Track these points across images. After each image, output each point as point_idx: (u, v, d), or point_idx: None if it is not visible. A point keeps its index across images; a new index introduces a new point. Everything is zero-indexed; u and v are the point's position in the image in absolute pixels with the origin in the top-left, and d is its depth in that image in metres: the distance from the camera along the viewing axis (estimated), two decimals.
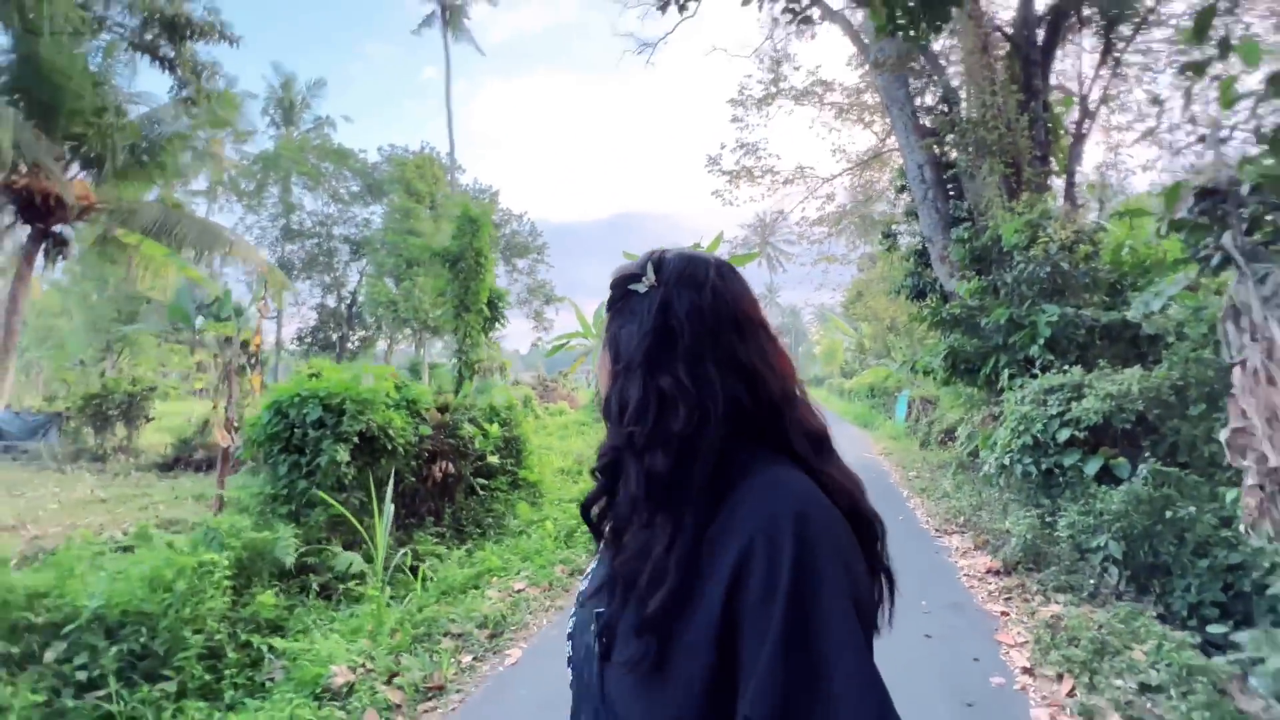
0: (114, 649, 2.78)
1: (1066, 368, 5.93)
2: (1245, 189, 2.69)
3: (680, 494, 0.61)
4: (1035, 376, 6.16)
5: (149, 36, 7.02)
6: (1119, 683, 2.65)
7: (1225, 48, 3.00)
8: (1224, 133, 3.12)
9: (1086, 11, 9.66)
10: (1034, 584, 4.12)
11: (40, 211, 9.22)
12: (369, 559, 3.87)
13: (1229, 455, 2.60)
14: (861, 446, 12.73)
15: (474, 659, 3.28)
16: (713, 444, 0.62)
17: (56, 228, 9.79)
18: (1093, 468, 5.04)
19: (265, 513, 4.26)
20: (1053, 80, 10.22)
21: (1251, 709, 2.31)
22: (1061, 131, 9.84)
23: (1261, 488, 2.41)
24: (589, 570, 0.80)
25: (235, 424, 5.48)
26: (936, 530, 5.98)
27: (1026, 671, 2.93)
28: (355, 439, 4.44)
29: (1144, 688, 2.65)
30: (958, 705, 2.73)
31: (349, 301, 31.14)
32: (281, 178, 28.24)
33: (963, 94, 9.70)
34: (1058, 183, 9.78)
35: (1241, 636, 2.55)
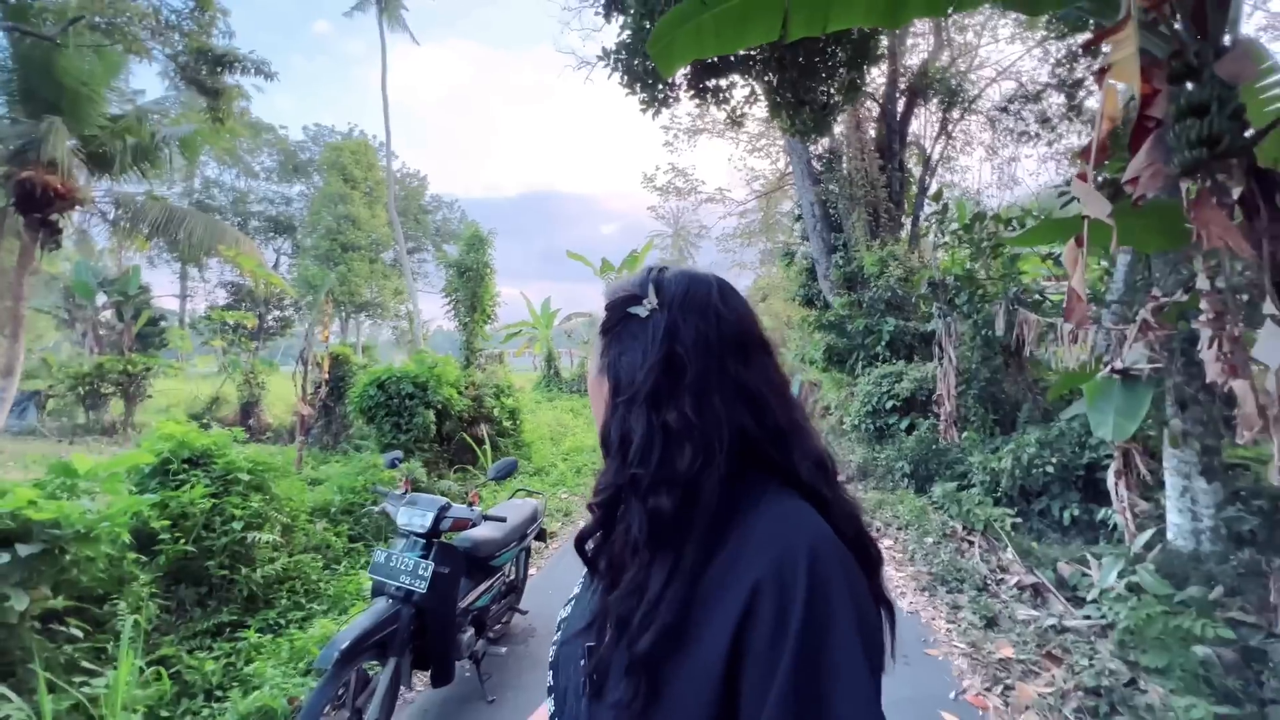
0: (340, 526, 4.75)
1: (897, 362, 9.00)
2: (950, 278, 5.52)
3: (682, 532, 0.58)
4: (877, 367, 9.22)
5: (192, 65, 8.20)
6: (889, 515, 5.44)
7: (945, 209, 5.84)
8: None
9: (932, 93, 13.07)
10: (861, 486, 7.00)
11: (39, 202, 9.90)
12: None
13: (936, 405, 5.44)
14: None
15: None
16: (718, 482, 0.59)
17: (52, 216, 10.43)
18: (904, 425, 8.07)
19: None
20: (910, 139, 13.62)
21: (937, 518, 5.14)
22: (912, 184, 13.25)
23: (947, 414, 5.25)
24: (573, 595, 0.77)
25: (312, 398, 7.25)
26: None
27: None
28: (438, 405, 6.49)
29: (901, 523, 5.45)
30: None
31: (252, 278, 30.39)
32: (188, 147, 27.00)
33: (844, 149, 12.77)
34: (909, 221, 13.20)
35: (936, 491, 5.42)
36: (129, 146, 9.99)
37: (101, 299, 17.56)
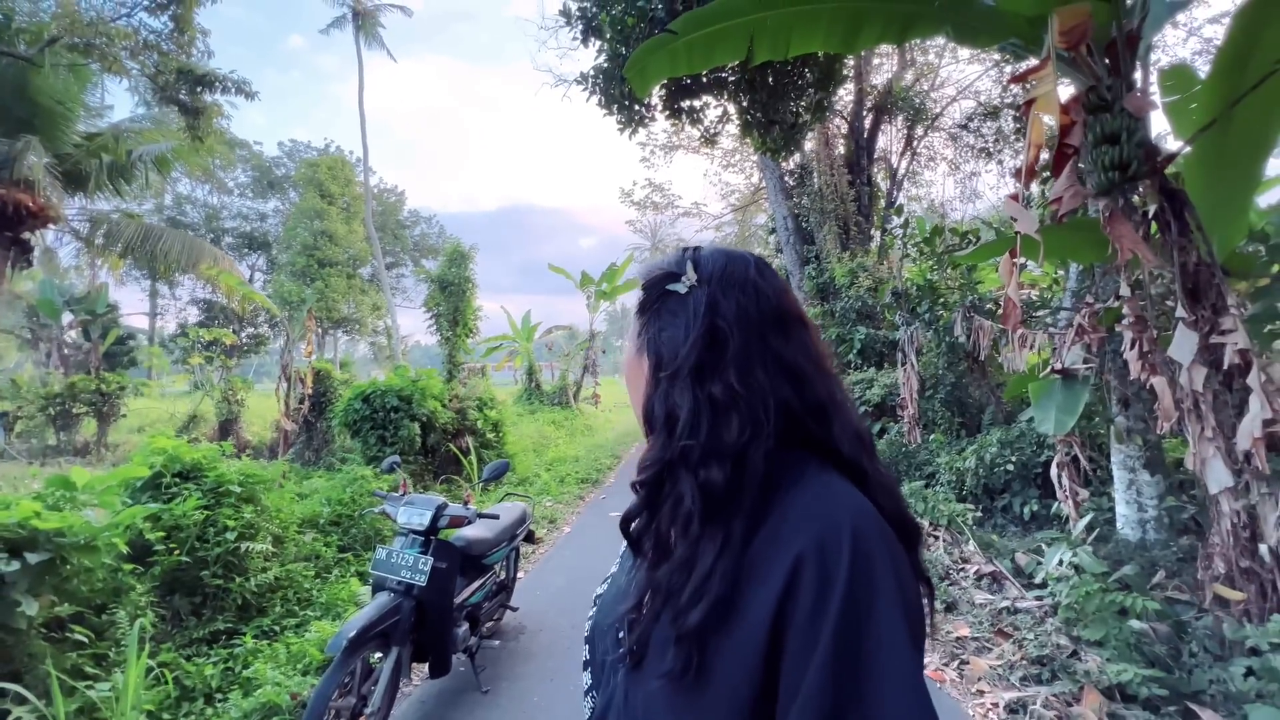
0: (329, 536, 4.85)
1: (869, 369, 9.34)
2: (911, 287, 5.85)
3: (732, 505, 0.59)
4: (849, 375, 9.55)
5: (171, 84, 8.26)
6: None
7: (907, 223, 6.19)
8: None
9: (896, 112, 13.65)
10: None
11: (11, 220, 9.80)
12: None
13: (900, 408, 5.74)
14: None
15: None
16: (766, 453, 0.60)
17: (24, 235, 10.32)
18: (875, 428, 8.38)
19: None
20: (877, 154, 14.17)
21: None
22: (880, 198, 13.77)
23: (910, 416, 5.55)
24: (609, 574, 0.79)
25: (295, 413, 7.29)
26: None
27: None
28: (423, 418, 6.60)
29: None
30: None
31: (228, 295, 29.99)
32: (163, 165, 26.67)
33: (815, 165, 13.24)
34: (878, 233, 13.72)
35: (903, 489, 5.70)
36: (104, 165, 9.96)
37: (68, 318, 17.21)
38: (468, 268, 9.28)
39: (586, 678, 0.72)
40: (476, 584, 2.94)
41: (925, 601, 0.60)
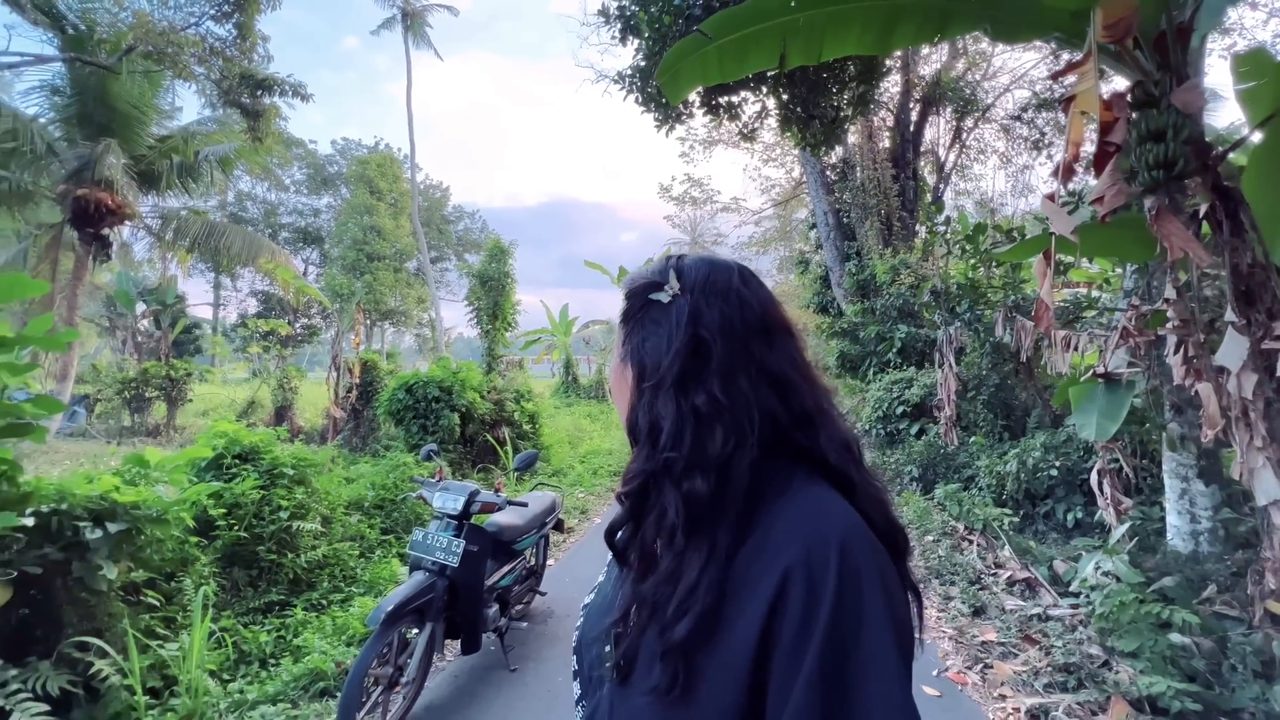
0: (373, 519, 5.11)
1: (909, 368, 9.14)
2: (952, 285, 5.71)
3: (717, 517, 0.58)
4: (888, 374, 9.36)
5: (234, 87, 8.76)
6: None
7: (949, 220, 6.03)
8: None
9: (944, 104, 13.21)
10: None
11: (92, 218, 10.57)
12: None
13: (937, 409, 5.62)
14: None
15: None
16: (750, 463, 0.59)
17: (104, 231, 11.11)
18: (914, 429, 8.21)
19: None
20: (924, 147, 13.75)
21: (939, 518, 5.31)
22: (926, 193, 13.37)
23: (947, 417, 5.42)
24: (596, 583, 0.78)
25: (344, 401, 7.65)
26: None
27: None
28: (462, 409, 6.84)
29: (903, 523, 5.64)
30: None
31: (285, 288, 31.49)
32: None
33: (857, 160, 12.96)
34: (923, 229, 13.34)
35: (939, 492, 5.59)
36: (174, 165, 10.63)
37: (140, 308, 18.44)
38: (507, 263, 9.51)
39: (575, 688, 0.71)
40: (507, 568, 3.08)
41: (914, 611, 0.60)
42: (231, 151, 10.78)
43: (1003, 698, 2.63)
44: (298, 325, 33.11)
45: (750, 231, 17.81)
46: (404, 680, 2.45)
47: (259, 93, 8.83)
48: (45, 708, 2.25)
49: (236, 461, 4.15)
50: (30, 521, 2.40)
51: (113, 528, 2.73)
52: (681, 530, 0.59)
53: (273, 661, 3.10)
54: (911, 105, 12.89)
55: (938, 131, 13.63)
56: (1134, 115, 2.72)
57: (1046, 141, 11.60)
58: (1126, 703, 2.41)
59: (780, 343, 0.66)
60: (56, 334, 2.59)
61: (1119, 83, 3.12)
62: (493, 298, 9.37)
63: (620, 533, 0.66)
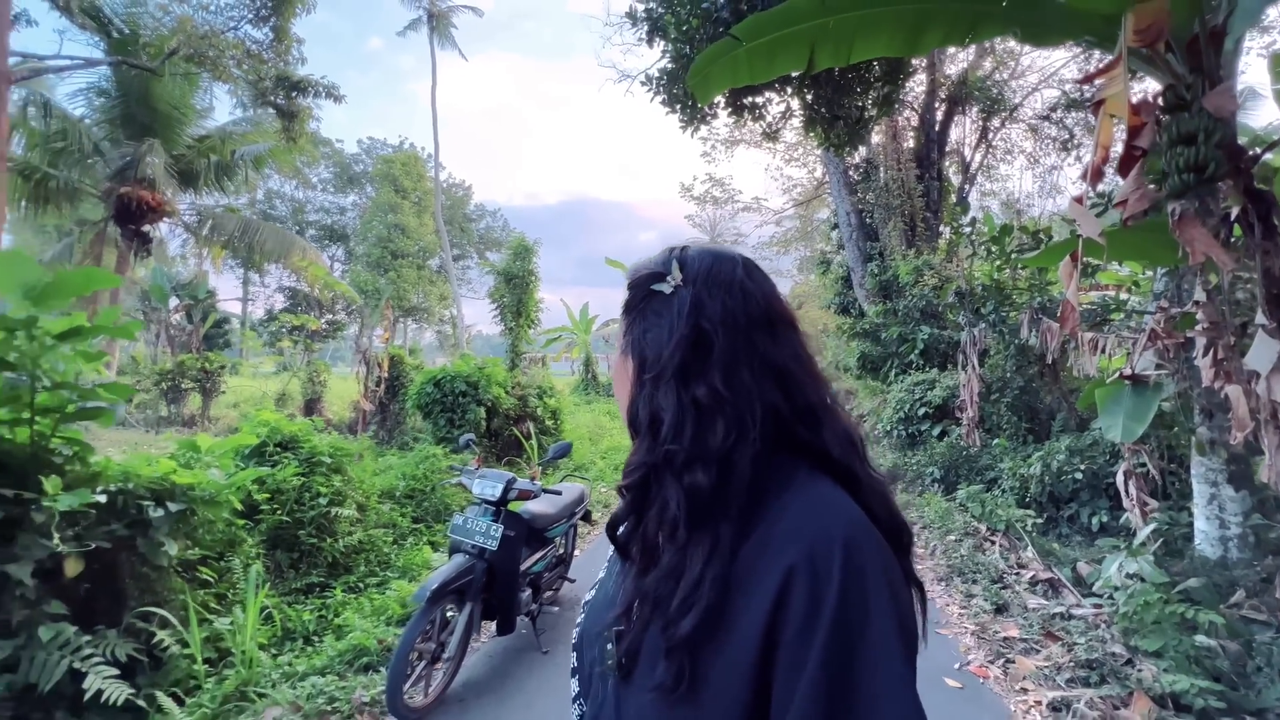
0: (404, 508, 5.28)
1: (931, 370, 9.10)
2: (977, 287, 5.70)
3: (719, 510, 0.58)
4: (910, 375, 9.33)
5: (270, 89, 9.05)
6: (914, 516, 5.64)
7: (974, 221, 6.01)
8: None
9: (971, 104, 13.07)
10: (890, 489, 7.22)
11: (134, 215, 10.96)
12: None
13: (960, 411, 5.62)
14: None
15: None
16: (753, 457, 0.59)
17: (144, 228, 11.51)
18: (935, 431, 8.18)
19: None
20: (949, 147, 13.62)
21: (961, 519, 5.33)
22: (950, 193, 13.24)
23: (970, 419, 5.43)
24: (597, 579, 0.77)
25: (373, 395, 7.87)
26: None
27: None
28: (488, 404, 7.00)
29: (924, 523, 5.65)
30: None
31: (314, 284, 32.23)
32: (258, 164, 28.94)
33: (881, 160, 12.88)
34: (947, 230, 13.22)
35: (961, 493, 5.60)
36: (212, 164, 10.98)
37: (174, 302, 19.03)
38: (531, 261, 9.66)
39: (574, 685, 0.70)
40: (539, 554, 3.20)
41: (918, 607, 0.59)
42: (265, 151, 11.10)
43: (1024, 691, 2.67)
44: (323, 321, 33.87)
45: (771, 231, 17.81)
46: (445, 656, 2.58)
47: (293, 94, 9.09)
48: (115, 672, 2.42)
49: (278, 449, 4.34)
50: (103, 499, 2.57)
51: (173, 507, 2.90)
52: (684, 524, 0.58)
53: (315, 638, 3.26)
54: (937, 105, 12.78)
55: (963, 131, 13.51)
56: (1165, 118, 2.75)
57: (1075, 142, 11.43)
58: (1149, 698, 2.44)
59: (784, 335, 0.66)
60: (124, 324, 2.76)
61: (1151, 84, 3.13)
62: (516, 295, 9.53)
63: (622, 527, 0.65)
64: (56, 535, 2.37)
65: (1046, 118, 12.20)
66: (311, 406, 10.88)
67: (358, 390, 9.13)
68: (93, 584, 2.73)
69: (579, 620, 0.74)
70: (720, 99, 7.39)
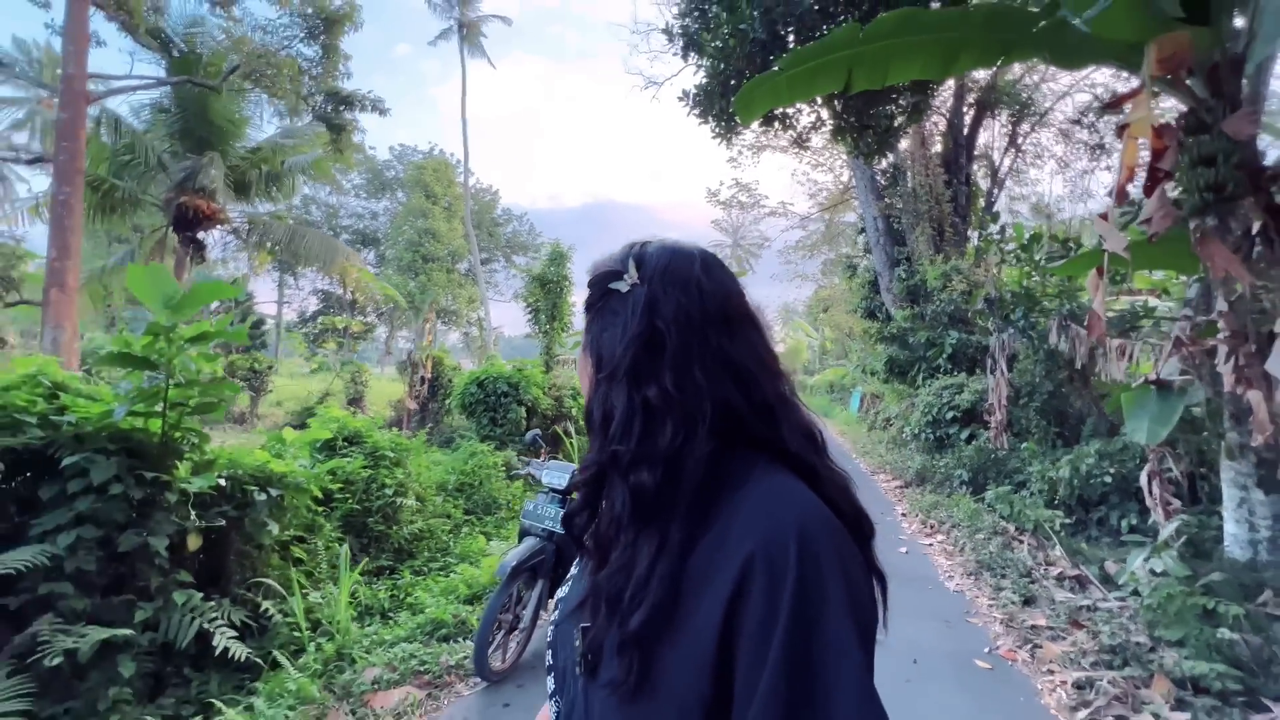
0: (456, 500, 5.62)
1: (959, 374, 9.20)
2: (1006, 293, 5.85)
3: (667, 509, 0.58)
4: (938, 379, 9.44)
5: (320, 104, 9.56)
6: (943, 515, 5.81)
7: (1004, 229, 6.16)
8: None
9: (1000, 108, 13.08)
10: (918, 491, 7.33)
11: (190, 222, 11.59)
12: None
13: (988, 414, 5.77)
14: (823, 431, 16.18)
15: None
16: (701, 456, 0.59)
17: (198, 234, 12.15)
18: (964, 435, 8.29)
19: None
20: (978, 152, 13.64)
21: (989, 519, 5.48)
22: (979, 198, 13.26)
23: (998, 422, 5.58)
24: (570, 574, 0.78)
25: (419, 394, 8.26)
26: (871, 472, 9.27)
27: (904, 516, 6.10)
28: (528, 403, 7.34)
29: (954, 522, 5.81)
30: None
31: (354, 288, 33.25)
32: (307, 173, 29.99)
33: (908, 165, 12.96)
34: (975, 234, 13.23)
35: (989, 494, 5.75)
36: (263, 174, 11.57)
37: (214, 305, 19.91)
38: (566, 266, 9.99)
39: (550, 681, 0.71)
40: None
41: (880, 595, 0.60)
42: (311, 161, 11.66)
43: (1050, 673, 2.86)
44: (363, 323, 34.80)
45: (797, 235, 17.93)
46: (520, 627, 2.88)
47: (341, 108, 9.59)
48: (235, 633, 2.77)
49: (345, 443, 4.71)
50: (223, 482, 2.93)
51: (274, 492, 3.26)
52: (629, 522, 0.59)
53: (391, 615, 3.60)
54: (965, 109, 12.81)
55: (992, 135, 13.51)
56: (1187, 140, 2.94)
57: (1108, 147, 11.38)
58: (1169, 680, 2.63)
59: (741, 333, 0.66)
60: (236, 329, 3.13)
61: (1175, 103, 3.30)
62: (551, 299, 9.85)
63: (577, 521, 0.66)
64: (193, 513, 2.73)
65: (1078, 121, 12.17)
66: (354, 405, 11.37)
67: (402, 390, 9.57)
68: (205, 558, 3.10)
69: (553, 617, 0.74)
70: None
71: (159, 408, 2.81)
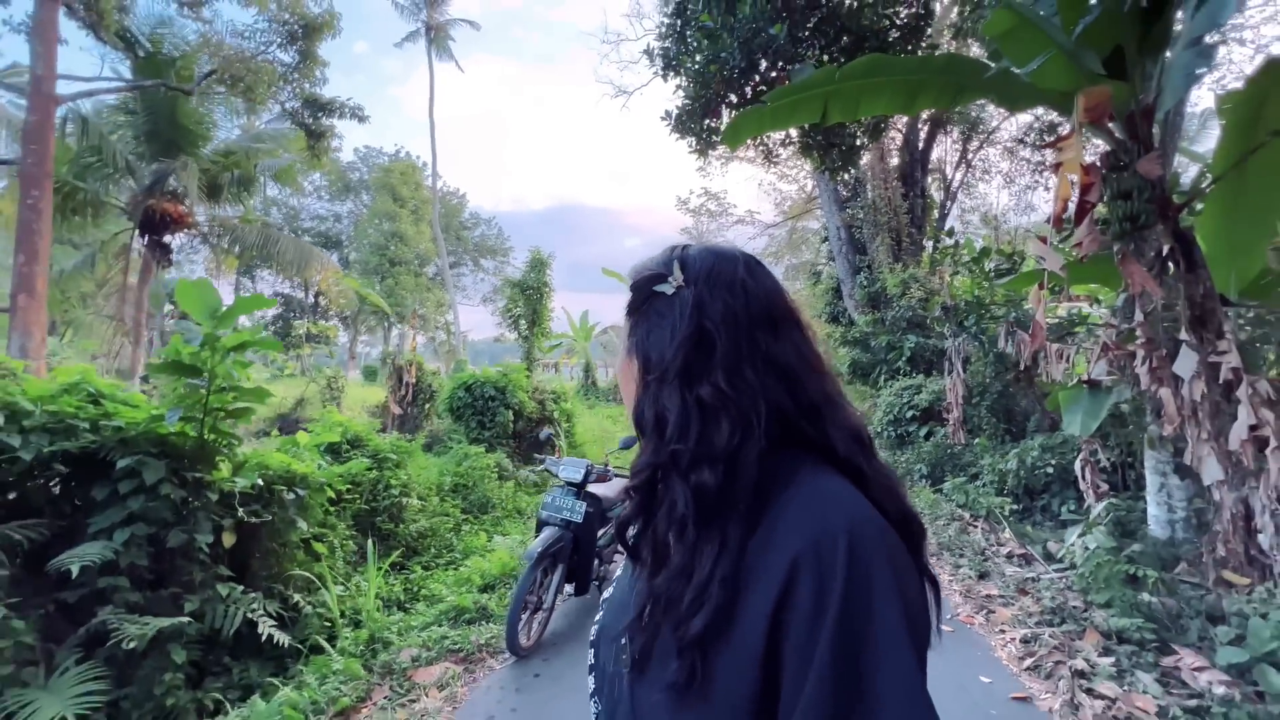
0: (453, 501, 5.84)
1: (917, 375, 9.85)
2: (960, 301, 6.44)
3: (726, 509, 0.58)
4: (898, 380, 10.08)
5: (299, 110, 9.58)
6: None
7: (957, 244, 6.75)
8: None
9: (951, 126, 13.97)
10: None
11: (156, 226, 11.36)
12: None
13: (946, 412, 6.35)
14: None
15: None
16: (758, 455, 0.60)
17: (165, 239, 11.90)
18: (923, 432, 8.91)
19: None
20: (932, 166, 14.50)
21: (947, 507, 6.02)
22: (933, 208, 14.11)
23: (955, 419, 6.15)
24: (614, 577, 0.79)
25: (402, 399, 8.39)
26: None
27: None
28: (515, 407, 7.58)
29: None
30: None
31: (317, 292, 32.51)
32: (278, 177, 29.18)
33: (869, 178, 13.70)
34: (930, 243, 14.07)
35: (947, 485, 6.30)
36: (235, 177, 11.43)
37: (167, 308, 19.28)
38: (545, 273, 10.24)
39: (590, 681, 0.71)
40: (604, 530, 3.80)
41: (931, 599, 0.59)
42: (284, 165, 11.57)
43: (1002, 632, 3.33)
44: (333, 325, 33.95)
45: (764, 243, 18.61)
46: (544, 607, 3.18)
47: (320, 115, 9.63)
48: (274, 622, 2.98)
49: (348, 447, 4.89)
50: (261, 482, 3.13)
51: (301, 492, 3.46)
52: (692, 523, 0.59)
53: (406, 606, 3.83)
54: (920, 126, 13.63)
55: (945, 151, 14.39)
56: (1110, 175, 3.46)
57: (1048, 163, 12.32)
58: (1098, 633, 3.11)
59: (787, 333, 0.66)
60: (267, 339, 3.33)
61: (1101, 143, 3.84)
62: (532, 305, 10.08)
63: (632, 528, 0.66)
64: (240, 510, 2.93)
65: (1021, 140, 13.11)
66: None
67: (375, 395, 9.63)
68: (234, 554, 3.28)
69: (598, 617, 0.75)
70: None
71: (198, 413, 3.00)
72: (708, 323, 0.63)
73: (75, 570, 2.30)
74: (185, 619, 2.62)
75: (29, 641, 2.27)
